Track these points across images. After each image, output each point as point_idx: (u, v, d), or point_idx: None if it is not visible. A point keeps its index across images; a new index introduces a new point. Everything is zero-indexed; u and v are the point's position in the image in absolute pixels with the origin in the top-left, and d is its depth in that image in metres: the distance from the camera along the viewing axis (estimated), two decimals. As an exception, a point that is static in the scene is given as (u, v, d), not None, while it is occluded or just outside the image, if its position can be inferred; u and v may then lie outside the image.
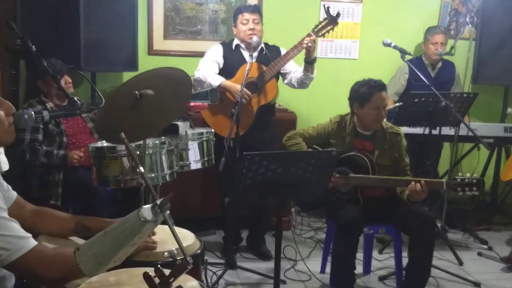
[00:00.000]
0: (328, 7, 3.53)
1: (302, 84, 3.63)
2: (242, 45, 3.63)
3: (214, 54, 3.63)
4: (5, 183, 1.81)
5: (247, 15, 3.54)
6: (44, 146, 3.18)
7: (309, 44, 3.37)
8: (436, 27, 4.53)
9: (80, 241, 1.92)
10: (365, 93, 3.06)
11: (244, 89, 3.29)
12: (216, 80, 3.48)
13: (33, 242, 1.55)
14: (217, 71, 3.60)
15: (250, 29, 3.52)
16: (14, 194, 1.86)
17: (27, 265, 1.52)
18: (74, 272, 1.53)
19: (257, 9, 3.63)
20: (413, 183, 2.91)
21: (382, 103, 3.08)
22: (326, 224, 3.68)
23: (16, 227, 1.55)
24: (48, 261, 1.55)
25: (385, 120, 3.26)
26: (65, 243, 1.91)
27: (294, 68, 3.65)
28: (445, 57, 4.46)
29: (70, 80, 3.35)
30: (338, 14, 3.47)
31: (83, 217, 1.98)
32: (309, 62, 3.50)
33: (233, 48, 3.66)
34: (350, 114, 3.23)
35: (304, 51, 3.44)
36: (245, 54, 3.61)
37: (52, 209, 2.00)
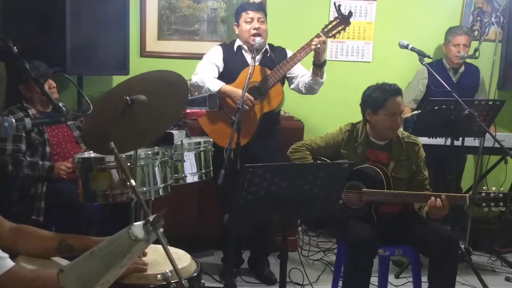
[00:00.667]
0: (339, 5, 3.56)
1: (311, 89, 3.64)
2: (245, 47, 3.64)
3: (213, 56, 3.64)
4: None
5: (251, 13, 3.55)
6: (28, 156, 3.19)
7: (318, 46, 3.39)
8: (458, 27, 4.55)
9: (64, 262, 1.92)
10: (379, 98, 3.07)
11: (246, 94, 3.30)
12: (215, 84, 3.49)
13: (9, 263, 1.55)
14: (217, 75, 3.61)
15: (254, 29, 3.53)
16: None
17: None
18: None
19: (262, 7, 3.65)
20: (432, 198, 2.91)
21: (398, 109, 3.08)
22: (336, 244, 3.68)
23: None
24: (25, 283, 1.54)
25: (401, 129, 3.26)
26: (47, 264, 1.91)
27: (301, 72, 3.66)
28: (468, 60, 4.47)
29: (55, 85, 3.37)
30: (350, 13, 3.49)
31: (66, 235, 1.98)
32: (318, 66, 3.51)
33: (235, 50, 3.67)
34: (363, 122, 3.23)
35: (312, 53, 3.46)
36: (248, 56, 3.62)
37: (32, 227, 2.01)
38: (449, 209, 2.92)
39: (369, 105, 3.13)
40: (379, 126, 3.13)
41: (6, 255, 1.58)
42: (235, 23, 3.68)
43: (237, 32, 3.67)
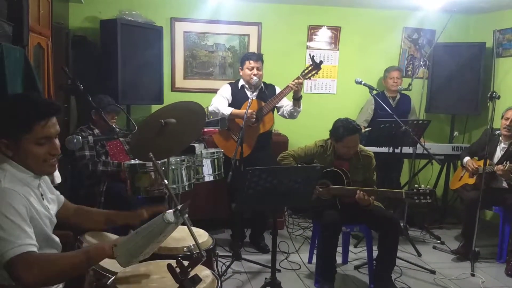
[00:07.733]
0: (313, 56, 3.54)
1: (292, 116, 3.60)
2: (246, 86, 3.61)
3: (224, 92, 3.63)
4: (55, 191, 1.79)
5: (252, 63, 3.51)
6: (101, 159, 3.18)
7: (296, 86, 3.37)
8: (392, 66, 4.56)
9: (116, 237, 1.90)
10: (339, 134, 3.01)
11: (252, 110, 3.31)
12: (228, 110, 3.48)
13: (25, 249, 1.37)
14: (227, 105, 3.57)
15: (254, 75, 3.49)
16: (62, 198, 1.84)
17: (13, 268, 1.35)
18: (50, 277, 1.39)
19: (260, 57, 3.59)
20: (358, 191, 2.91)
21: (352, 144, 3.01)
22: (312, 224, 3.66)
23: (15, 231, 1.37)
24: (42, 266, 1.37)
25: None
26: (106, 238, 1.90)
27: (285, 103, 3.62)
28: (403, 92, 4.48)
29: (116, 117, 3.35)
30: (321, 62, 3.45)
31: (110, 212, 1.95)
32: (297, 99, 3.49)
33: (239, 88, 3.64)
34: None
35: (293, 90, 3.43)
36: (248, 93, 3.58)
37: (87, 207, 1.96)
38: (385, 200, 2.87)
39: (333, 135, 3.09)
40: (338, 151, 3.11)
41: (32, 243, 1.40)
42: (240, 67, 3.63)
43: (241, 74, 3.62)
